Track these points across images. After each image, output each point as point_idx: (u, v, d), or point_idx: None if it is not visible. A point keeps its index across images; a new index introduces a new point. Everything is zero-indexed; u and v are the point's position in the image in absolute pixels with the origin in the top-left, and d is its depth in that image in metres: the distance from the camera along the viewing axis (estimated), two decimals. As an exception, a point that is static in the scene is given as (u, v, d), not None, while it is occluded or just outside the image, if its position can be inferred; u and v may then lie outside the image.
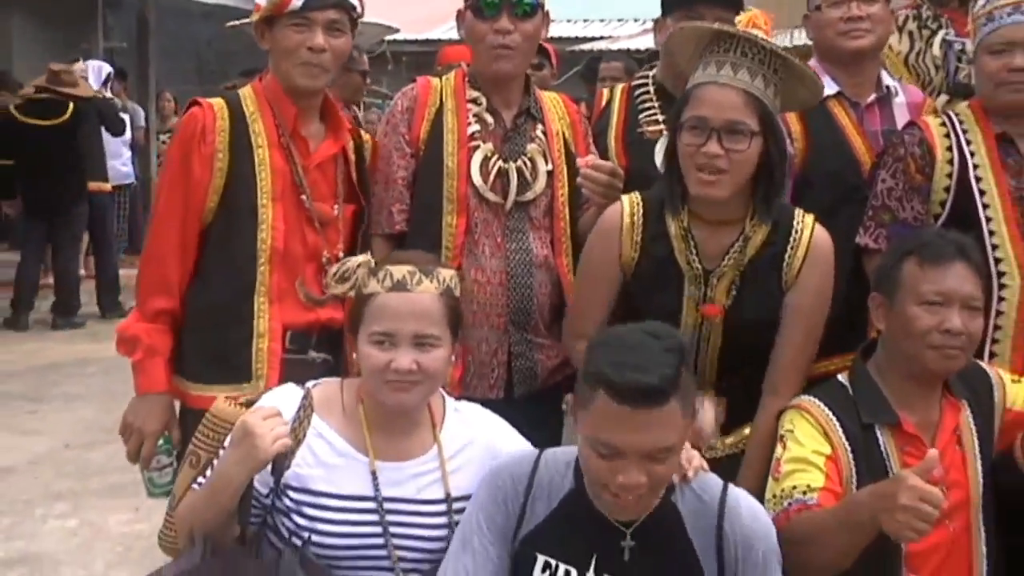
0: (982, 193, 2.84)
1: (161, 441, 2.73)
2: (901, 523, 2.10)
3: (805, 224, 2.63)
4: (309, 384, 2.34)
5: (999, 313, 2.78)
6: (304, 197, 2.77)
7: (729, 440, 2.69)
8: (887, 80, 3.17)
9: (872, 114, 3.11)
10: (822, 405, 2.51)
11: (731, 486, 2.23)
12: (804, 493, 2.39)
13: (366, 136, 3.00)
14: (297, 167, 2.77)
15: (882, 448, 2.48)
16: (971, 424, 2.54)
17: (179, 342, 2.78)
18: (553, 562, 2.19)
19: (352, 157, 2.90)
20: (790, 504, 2.39)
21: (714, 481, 2.22)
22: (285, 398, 2.28)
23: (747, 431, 2.67)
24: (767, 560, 2.18)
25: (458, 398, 2.54)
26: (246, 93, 2.83)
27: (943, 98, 3.30)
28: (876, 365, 2.57)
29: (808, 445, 2.46)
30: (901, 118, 3.10)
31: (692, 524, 2.18)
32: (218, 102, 2.79)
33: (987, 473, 2.52)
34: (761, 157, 2.53)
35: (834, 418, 2.49)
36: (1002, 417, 2.57)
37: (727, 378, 2.69)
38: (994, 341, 2.78)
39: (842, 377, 2.60)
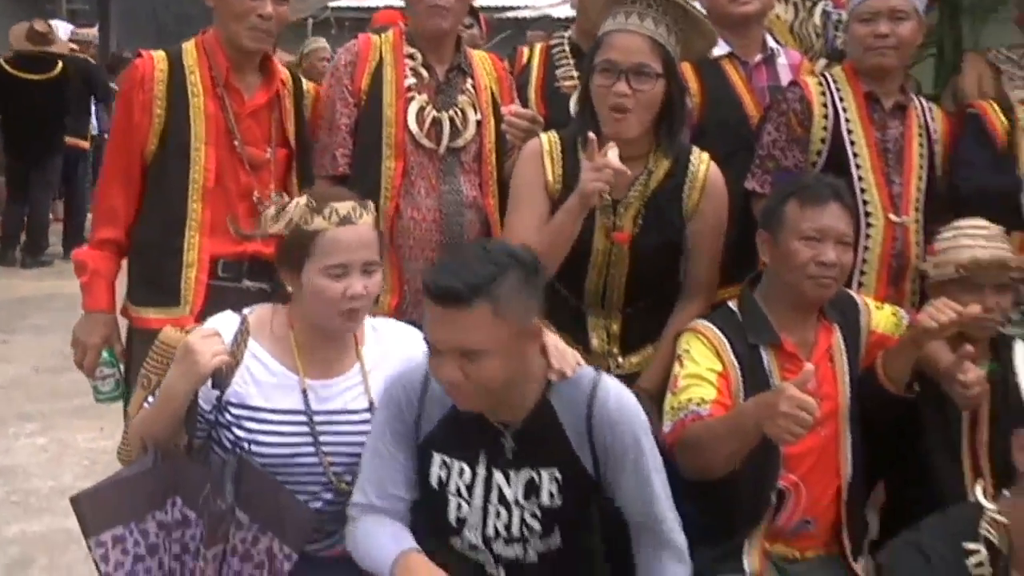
0: (852, 144, 2.88)
1: (105, 354, 2.75)
2: (781, 428, 2.12)
3: (701, 160, 2.66)
4: (246, 311, 2.32)
5: (866, 248, 2.83)
6: (236, 142, 2.74)
7: (634, 359, 2.72)
8: (771, 43, 3.19)
9: (759, 72, 3.13)
10: (714, 328, 2.53)
11: (603, 376, 2.19)
12: (698, 404, 2.41)
13: (308, 85, 2.95)
14: (230, 114, 2.73)
15: (765, 365, 2.51)
16: (841, 344, 2.57)
17: (128, 269, 2.79)
18: (448, 459, 2.19)
19: (288, 106, 2.85)
20: (686, 415, 2.41)
21: (587, 373, 2.19)
22: (225, 323, 2.25)
23: (651, 350, 2.70)
24: (637, 439, 2.14)
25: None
26: (188, 46, 2.78)
27: (823, 62, 3.31)
28: (761, 293, 2.59)
29: (702, 363, 2.48)
30: (784, 77, 3.12)
31: (566, 418, 2.15)
32: (159, 54, 2.76)
33: (854, 387, 2.56)
34: (663, 98, 2.55)
35: (725, 339, 2.51)
36: (867, 338, 2.62)
37: (633, 303, 2.70)
38: (862, 272, 2.83)
39: (732, 304, 2.62)
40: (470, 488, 2.18)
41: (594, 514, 2.19)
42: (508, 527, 2.17)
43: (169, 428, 2.17)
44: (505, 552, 2.19)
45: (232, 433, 2.25)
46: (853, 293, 2.70)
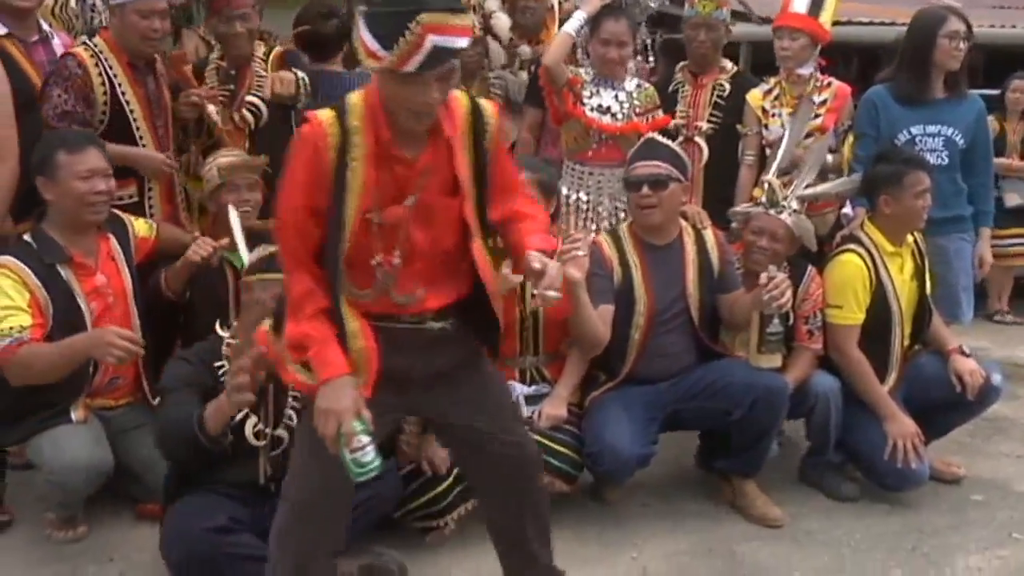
0: (127, 102, 3.51)
1: (357, 424, 2.16)
2: (107, 353, 2.90)
3: None
4: None
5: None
6: None
7: None
8: (44, 26, 3.68)
9: (37, 50, 3.59)
10: (16, 261, 3.04)
11: None
12: (20, 332, 2.95)
13: None
14: None
15: (64, 277, 3.10)
16: (117, 246, 3.28)
17: None
18: None
19: None
20: (11, 341, 2.94)
21: None
22: None
23: None
24: None
25: None
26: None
27: (84, 36, 3.72)
28: (49, 223, 3.16)
29: (14, 296, 2.98)
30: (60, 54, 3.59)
31: None
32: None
33: (133, 276, 3.27)
34: None
35: (26, 267, 3.04)
36: (135, 241, 3.36)
37: None
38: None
39: (27, 236, 3.14)
40: None
41: None
42: None
43: None
44: None
45: None
46: (122, 215, 3.40)
